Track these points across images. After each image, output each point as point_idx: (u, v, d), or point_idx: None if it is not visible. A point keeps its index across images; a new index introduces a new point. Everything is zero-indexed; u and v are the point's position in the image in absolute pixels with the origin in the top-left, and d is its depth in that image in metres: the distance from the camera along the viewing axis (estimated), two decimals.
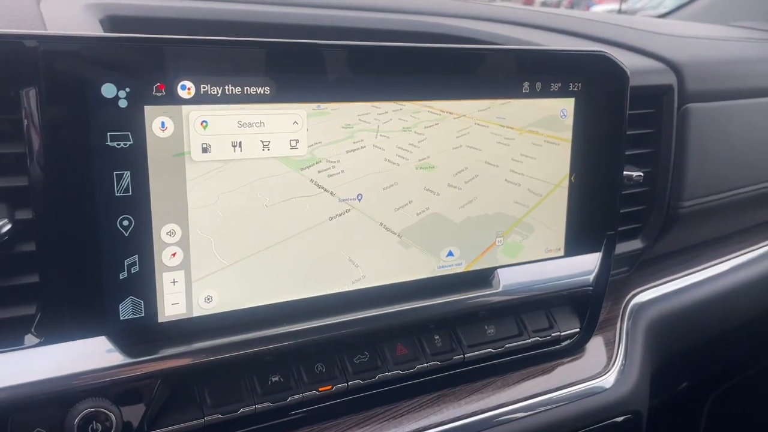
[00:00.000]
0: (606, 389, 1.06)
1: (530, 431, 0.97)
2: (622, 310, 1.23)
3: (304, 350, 0.87)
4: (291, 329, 0.82)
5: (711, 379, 1.88)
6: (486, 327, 1.01)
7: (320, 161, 0.80)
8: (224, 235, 0.75)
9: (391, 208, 0.86)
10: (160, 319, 0.75)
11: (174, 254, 0.73)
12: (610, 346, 1.14)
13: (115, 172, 0.69)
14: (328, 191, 0.81)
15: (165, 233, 0.72)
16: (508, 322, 1.04)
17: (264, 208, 0.77)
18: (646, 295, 1.28)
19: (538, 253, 1.02)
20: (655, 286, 1.31)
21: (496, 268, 0.99)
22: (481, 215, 0.94)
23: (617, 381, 1.07)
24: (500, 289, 0.99)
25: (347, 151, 0.81)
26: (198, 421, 0.78)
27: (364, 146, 0.82)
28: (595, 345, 1.13)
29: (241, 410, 0.80)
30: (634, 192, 1.23)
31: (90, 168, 0.68)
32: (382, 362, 0.91)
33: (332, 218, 0.82)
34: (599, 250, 1.09)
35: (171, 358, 0.75)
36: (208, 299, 0.77)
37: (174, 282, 0.74)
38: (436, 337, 0.97)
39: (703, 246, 1.48)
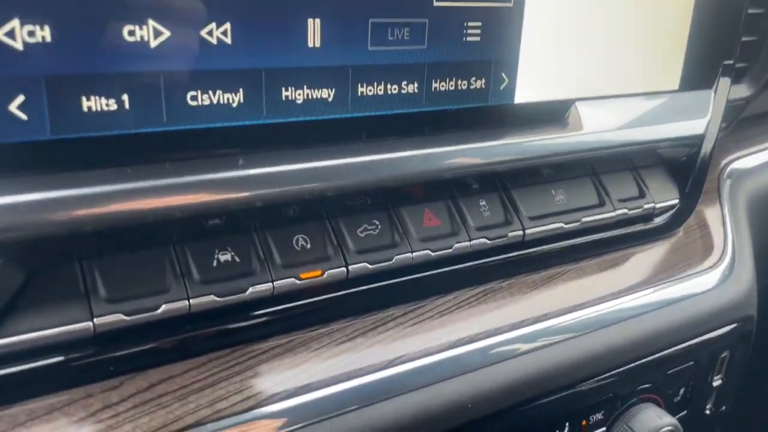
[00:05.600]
0: (715, 288, 0.73)
1: (611, 350, 0.64)
2: (717, 179, 0.89)
3: (274, 211, 0.52)
4: (252, 172, 0.47)
5: None
6: (553, 192, 0.67)
7: None
8: None
9: None
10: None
11: None
12: (714, 225, 0.80)
13: None
14: None
15: None
16: (584, 187, 0.70)
17: None
18: (745, 162, 0.94)
19: (645, 84, 0.67)
20: (755, 153, 0.97)
21: (575, 100, 0.64)
22: None
23: (731, 277, 0.74)
24: (582, 132, 0.63)
25: None
26: (82, 325, 0.43)
27: None
28: (695, 220, 0.79)
29: (163, 307, 0.46)
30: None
31: None
32: (402, 237, 0.57)
33: None
34: (711, 86, 0.74)
35: (21, 208, 0.39)
36: None
37: None
38: (482, 202, 0.62)
39: None
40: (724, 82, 0.75)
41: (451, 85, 0.56)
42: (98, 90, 0.42)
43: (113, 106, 0.43)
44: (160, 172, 0.44)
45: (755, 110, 1.02)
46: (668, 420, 0.65)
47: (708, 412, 0.78)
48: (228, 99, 0.46)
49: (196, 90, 0.45)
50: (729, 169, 0.92)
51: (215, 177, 0.46)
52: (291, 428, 0.46)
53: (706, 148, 0.75)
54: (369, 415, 0.49)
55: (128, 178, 0.43)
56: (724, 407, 0.79)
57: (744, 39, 0.88)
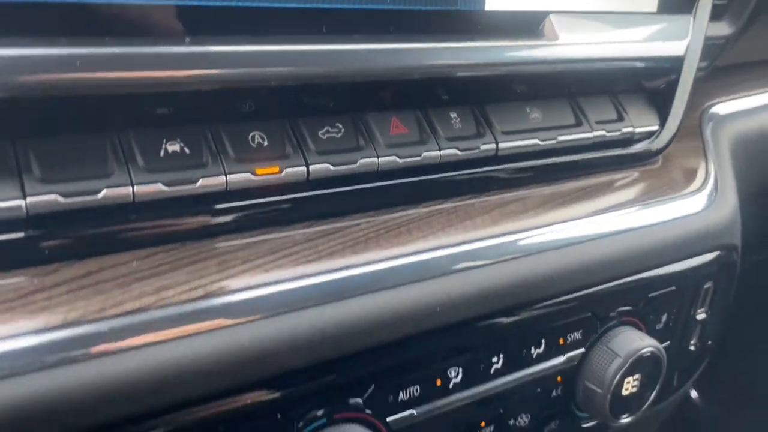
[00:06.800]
0: (698, 212, 0.70)
1: (585, 265, 0.61)
2: (699, 118, 0.86)
3: (228, 105, 0.49)
4: (201, 49, 0.44)
5: None
6: (528, 110, 0.64)
7: None
8: None
9: None
10: None
11: None
12: (696, 154, 0.78)
13: None
14: None
15: None
16: (560, 107, 0.67)
17: None
18: (727, 106, 0.92)
19: (621, 3, 0.65)
20: (735, 99, 0.94)
21: (549, 12, 0.61)
22: None
23: (714, 203, 0.72)
24: (556, 42, 0.61)
25: None
26: (13, 203, 0.40)
27: None
28: (675, 154, 0.77)
29: (104, 192, 0.42)
30: None
31: None
32: (368, 142, 0.54)
33: None
34: (690, 11, 0.72)
35: None
36: None
37: None
38: (453, 114, 0.60)
39: None
40: (704, 6, 0.73)
41: None
42: None
43: None
44: (98, 43, 0.41)
45: (736, 58, 1.01)
46: (649, 341, 0.62)
47: (693, 347, 0.75)
48: None
49: None
50: (711, 111, 0.90)
51: (159, 51, 0.43)
52: (242, 320, 0.43)
53: (686, 74, 0.73)
54: (328, 314, 0.46)
55: (61, 45, 0.40)
56: (710, 342, 0.76)
57: None
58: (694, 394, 1.71)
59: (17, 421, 0.36)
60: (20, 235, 0.41)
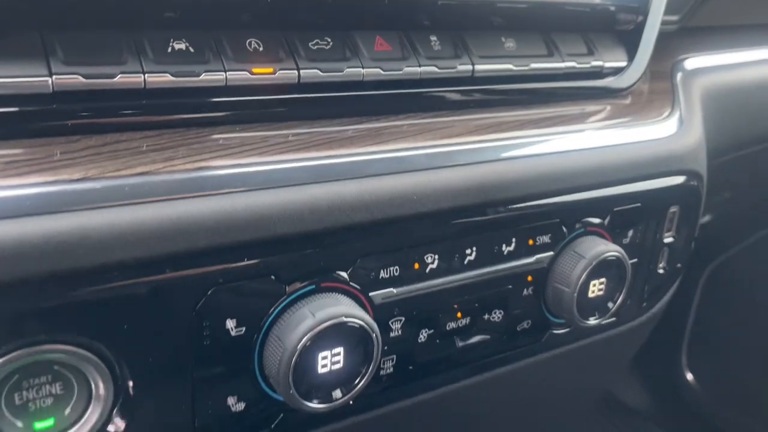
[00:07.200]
0: (663, 137, 0.76)
1: (553, 174, 0.66)
2: (671, 68, 0.92)
3: (227, 13, 0.55)
4: None
5: None
6: (503, 39, 0.70)
7: None
8: None
9: None
10: None
11: None
12: (665, 95, 0.84)
13: None
14: None
15: None
16: (534, 39, 0.73)
17: None
18: (699, 60, 0.97)
19: None
20: (707, 54, 1.00)
21: None
22: None
23: (678, 131, 0.77)
24: None
25: None
26: (40, 80, 0.46)
27: None
28: (647, 91, 0.83)
29: (119, 77, 0.49)
30: None
31: None
32: (354, 54, 0.60)
33: None
34: None
35: None
36: None
37: None
38: (433, 38, 0.66)
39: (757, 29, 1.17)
40: None
41: None
42: None
43: None
44: None
45: (709, 21, 1.07)
46: (613, 246, 0.68)
47: (662, 270, 0.81)
48: None
49: None
50: (683, 63, 0.95)
51: None
52: (239, 189, 0.49)
53: (653, 14, 0.79)
54: (316, 191, 0.52)
55: None
56: (678, 265, 0.82)
57: None
58: (690, 376, 1.76)
59: (32, 253, 0.42)
60: (46, 107, 0.47)
